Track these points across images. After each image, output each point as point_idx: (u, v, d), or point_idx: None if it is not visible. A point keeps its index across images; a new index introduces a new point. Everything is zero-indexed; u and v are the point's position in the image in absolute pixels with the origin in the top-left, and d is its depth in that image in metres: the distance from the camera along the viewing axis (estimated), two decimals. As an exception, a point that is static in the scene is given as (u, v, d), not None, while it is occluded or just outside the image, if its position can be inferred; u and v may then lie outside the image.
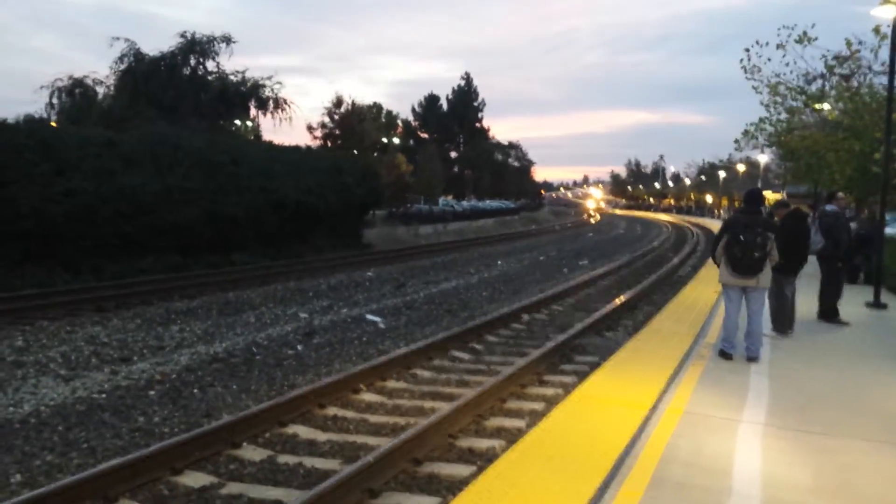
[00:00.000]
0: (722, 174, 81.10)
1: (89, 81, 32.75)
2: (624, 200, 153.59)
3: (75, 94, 32.21)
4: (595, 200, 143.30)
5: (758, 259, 7.67)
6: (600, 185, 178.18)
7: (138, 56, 32.49)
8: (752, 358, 7.88)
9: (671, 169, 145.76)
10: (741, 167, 67.74)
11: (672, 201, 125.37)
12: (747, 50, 17.22)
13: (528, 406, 7.57)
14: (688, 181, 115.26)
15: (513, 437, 6.40)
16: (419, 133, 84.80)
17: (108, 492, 5.28)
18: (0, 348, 10.18)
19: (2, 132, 16.75)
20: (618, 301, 14.69)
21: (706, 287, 13.73)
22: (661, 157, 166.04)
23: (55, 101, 31.94)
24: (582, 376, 8.36)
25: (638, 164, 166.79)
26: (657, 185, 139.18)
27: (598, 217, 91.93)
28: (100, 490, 5.25)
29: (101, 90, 33.09)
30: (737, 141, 20.08)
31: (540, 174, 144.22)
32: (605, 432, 5.35)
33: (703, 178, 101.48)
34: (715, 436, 5.36)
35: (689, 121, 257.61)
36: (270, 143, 30.03)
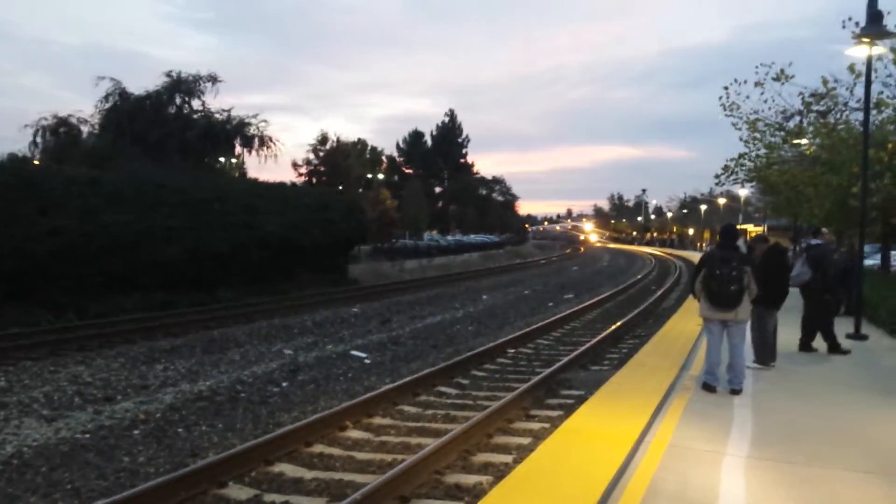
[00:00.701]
0: (703, 207, 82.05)
1: (74, 120, 32.87)
2: (608, 233, 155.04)
3: (59, 133, 32.26)
4: (598, 234, 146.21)
5: (734, 292, 7.79)
6: (591, 220, 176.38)
7: (123, 95, 32.67)
8: (735, 390, 7.96)
9: (653, 202, 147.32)
10: (722, 200, 68.63)
11: (655, 234, 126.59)
12: (726, 88, 17.59)
13: (515, 441, 7.58)
14: (670, 214, 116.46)
15: (500, 472, 6.41)
16: (404, 168, 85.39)
17: (93, 534, 5.23)
18: (-19, 389, 10.06)
19: (-15, 171, 16.73)
20: (603, 334, 14.77)
21: (689, 319, 13.84)
22: (644, 191, 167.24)
23: (39, 139, 32.00)
24: (568, 410, 8.40)
25: (621, 198, 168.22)
26: (640, 218, 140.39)
27: (583, 249, 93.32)
28: (84, 532, 5.20)
29: (85, 129, 33.22)
30: (717, 176, 20.40)
31: (524, 208, 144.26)
32: (592, 466, 5.38)
33: (684, 211, 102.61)
34: (700, 468, 5.40)
35: (671, 155, 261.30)
36: (255, 181, 30.21)
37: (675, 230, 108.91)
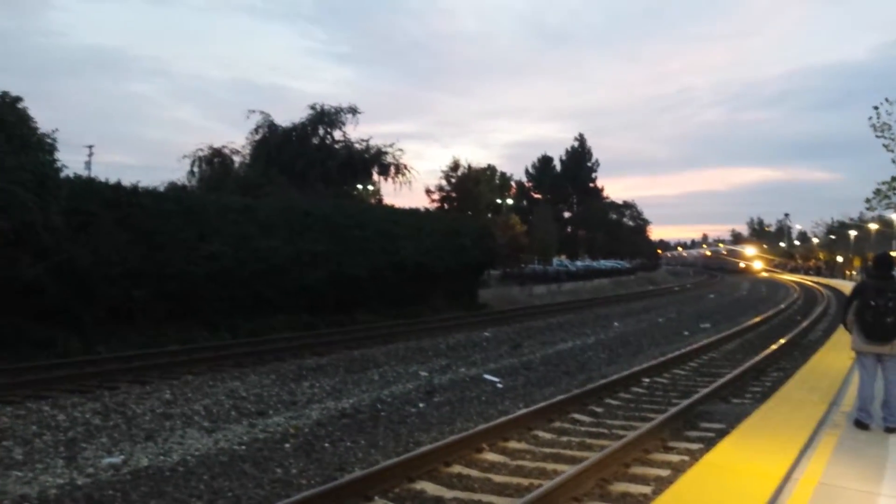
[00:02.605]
0: (853, 233, 76.64)
1: (227, 151, 35.29)
2: (778, 260, 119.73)
3: (214, 163, 34.71)
4: (763, 261, 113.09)
5: (891, 325, 7.38)
6: (751, 243, 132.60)
7: (272, 127, 34.84)
8: (890, 428, 7.51)
9: (797, 227, 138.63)
10: (874, 226, 63.85)
11: (800, 261, 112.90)
12: (876, 108, 16.56)
13: (654, 472, 7.50)
14: (815, 240, 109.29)
15: (639, 503, 6.39)
16: (532, 194, 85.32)
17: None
18: (150, 401, 11.03)
19: (153, 199, 18.39)
20: (744, 366, 14.21)
21: (839, 353, 13.06)
22: (787, 215, 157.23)
23: (196, 169, 34.55)
24: (709, 443, 8.22)
25: (761, 223, 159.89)
26: (782, 244, 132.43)
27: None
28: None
29: (237, 159, 35.57)
30: (868, 200, 19.10)
31: (656, 233, 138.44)
32: (736, 502, 5.29)
33: (832, 237, 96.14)
34: (853, 510, 5.19)
35: (814, 178, 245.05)
36: (391, 207, 31.28)
37: (822, 257, 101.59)
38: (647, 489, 6.90)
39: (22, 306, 14.33)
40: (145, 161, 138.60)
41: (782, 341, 18.58)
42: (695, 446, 8.51)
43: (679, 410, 9.87)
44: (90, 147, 58.77)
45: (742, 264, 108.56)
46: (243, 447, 8.77)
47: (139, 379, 12.51)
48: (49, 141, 14.98)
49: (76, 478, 7.44)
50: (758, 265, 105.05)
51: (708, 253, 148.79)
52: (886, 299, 7.39)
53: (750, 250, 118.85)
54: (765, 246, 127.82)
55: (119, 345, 15.48)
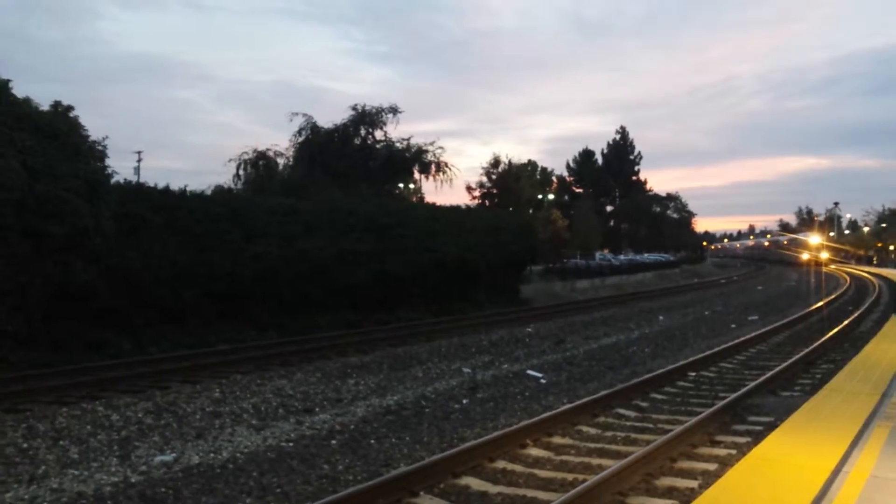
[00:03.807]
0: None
1: (271, 153, 35.91)
2: (851, 251, 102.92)
3: (259, 166, 35.32)
4: (831, 252, 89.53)
5: None
6: (816, 231, 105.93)
7: (314, 129, 35.25)
8: (947, 421, 7.31)
9: (847, 216, 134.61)
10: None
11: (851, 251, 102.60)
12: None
13: (701, 466, 7.43)
14: (866, 229, 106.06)
15: (686, 497, 6.35)
16: (574, 188, 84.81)
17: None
18: (200, 399, 11.26)
19: (201, 203, 18.81)
20: (793, 358, 13.94)
21: (891, 344, 12.76)
22: (836, 204, 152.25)
23: (241, 172, 35.21)
24: (757, 437, 8.10)
25: (810, 212, 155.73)
26: (832, 233, 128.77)
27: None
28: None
29: (281, 161, 36.13)
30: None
31: (701, 225, 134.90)
32: (785, 495, 5.23)
33: (883, 225, 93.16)
34: (906, 503, 5.09)
35: (864, 165, 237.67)
36: (433, 205, 31.44)
37: (862, 251, 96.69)
38: (693, 483, 6.84)
39: (76, 309, 14.79)
40: (192, 166, 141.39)
41: (832, 333, 18.16)
42: (742, 440, 8.40)
43: (726, 404, 9.74)
44: (139, 153, 59.99)
45: (805, 255, 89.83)
46: (291, 444, 8.92)
47: (189, 378, 12.78)
48: (100, 148, 15.45)
49: (130, 476, 7.64)
50: (824, 256, 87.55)
51: (765, 244, 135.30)
52: None
53: (814, 238, 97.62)
54: (831, 234, 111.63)
55: (169, 345, 15.87)
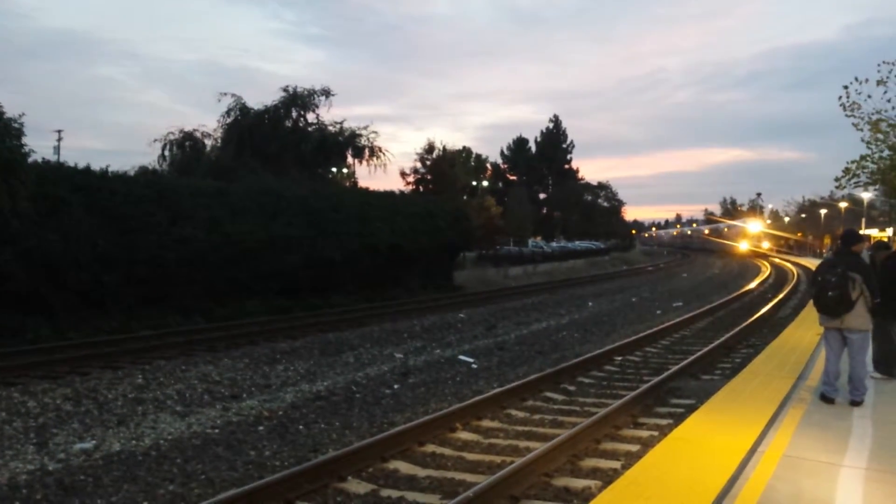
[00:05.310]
0: (823, 212, 77.72)
1: (198, 134, 34.89)
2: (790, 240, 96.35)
3: (185, 147, 34.30)
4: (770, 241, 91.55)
5: (832, 298, 7.48)
6: (758, 216, 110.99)
7: (244, 110, 34.45)
8: (854, 402, 7.68)
9: (769, 207, 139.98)
10: (843, 204, 64.80)
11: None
12: (846, 87, 16.80)
13: (624, 447, 7.63)
14: (787, 219, 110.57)
15: (609, 477, 6.50)
16: (508, 175, 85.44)
17: (230, 518, 5.71)
18: (122, 386, 10.94)
19: (124, 184, 18.10)
20: (714, 343, 14.43)
21: (807, 329, 13.31)
22: (759, 194, 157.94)
23: (167, 153, 34.12)
24: (678, 419, 8.36)
25: (734, 202, 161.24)
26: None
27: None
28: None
29: (209, 142, 35.17)
30: (837, 179, 19.44)
31: (630, 214, 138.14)
32: (703, 475, 5.39)
33: (803, 215, 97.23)
34: (815, 480, 5.31)
35: (786, 157, 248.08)
36: (366, 190, 31.13)
37: (798, 236, 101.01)
38: (616, 464, 7.01)
39: (-10, 293, 14.10)
40: (115, 146, 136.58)
41: (751, 319, 18.87)
42: (664, 422, 8.65)
43: (649, 387, 10.02)
44: (59, 132, 57.66)
45: (744, 244, 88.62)
46: (217, 431, 8.76)
47: (111, 364, 12.39)
48: (16, 126, 14.68)
49: (47, 464, 7.39)
50: (765, 245, 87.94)
51: (688, 232, 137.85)
52: (833, 275, 7.51)
53: (753, 226, 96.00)
54: (768, 222, 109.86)
55: (90, 331, 15.30)
